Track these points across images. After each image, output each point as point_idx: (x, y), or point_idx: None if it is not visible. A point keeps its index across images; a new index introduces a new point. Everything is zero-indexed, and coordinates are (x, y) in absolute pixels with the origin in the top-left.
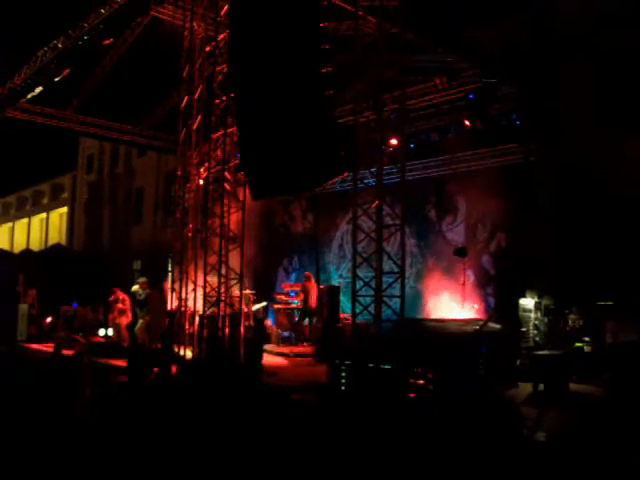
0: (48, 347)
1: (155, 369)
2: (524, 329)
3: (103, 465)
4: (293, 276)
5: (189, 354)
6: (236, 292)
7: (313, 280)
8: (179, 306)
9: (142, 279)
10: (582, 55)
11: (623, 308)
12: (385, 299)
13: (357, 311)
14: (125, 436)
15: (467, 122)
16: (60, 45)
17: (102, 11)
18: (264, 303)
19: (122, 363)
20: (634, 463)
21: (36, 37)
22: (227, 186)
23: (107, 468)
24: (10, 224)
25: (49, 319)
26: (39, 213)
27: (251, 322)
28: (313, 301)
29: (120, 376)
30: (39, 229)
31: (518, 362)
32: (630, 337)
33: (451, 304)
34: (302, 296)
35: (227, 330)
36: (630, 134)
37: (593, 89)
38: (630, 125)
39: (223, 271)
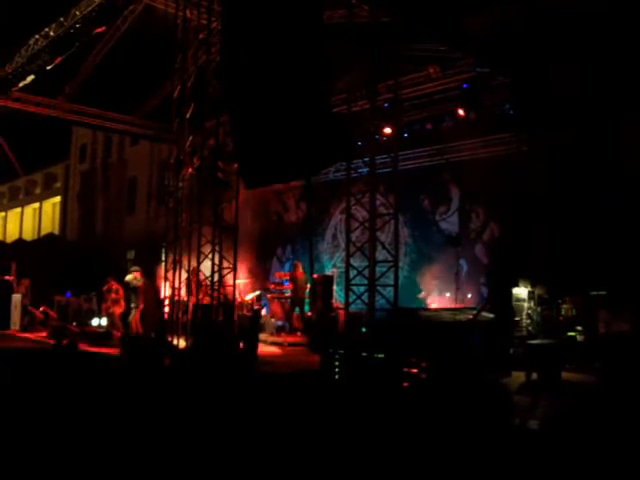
0: (41, 337)
1: (148, 358)
2: (517, 318)
3: (99, 457)
4: (287, 265)
5: (183, 343)
6: (230, 281)
7: (301, 268)
8: (172, 295)
9: (136, 268)
10: (576, 44)
11: (616, 298)
12: (379, 288)
13: (350, 300)
14: (120, 426)
15: (461, 112)
16: (52, 33)
17: None
18: (257, 292)
19: (115, 352)
20: (625, 450)
21: (28, 25)
22: (220, 175)
23: (103, 460)
24: (3, 214)
25: (42, 308)
26: (32, 203)
27: (245, 311)
28: (302, 290)
29: (113, 365)
30: (32, 219)
31: (511, 351)
32: (622, 327)
33: (445, 293)
34: (292, 285)
35: (221, 319)
36: (624, 123)
37: (587, 78)
38: (624, 114)
39: (217, 260)
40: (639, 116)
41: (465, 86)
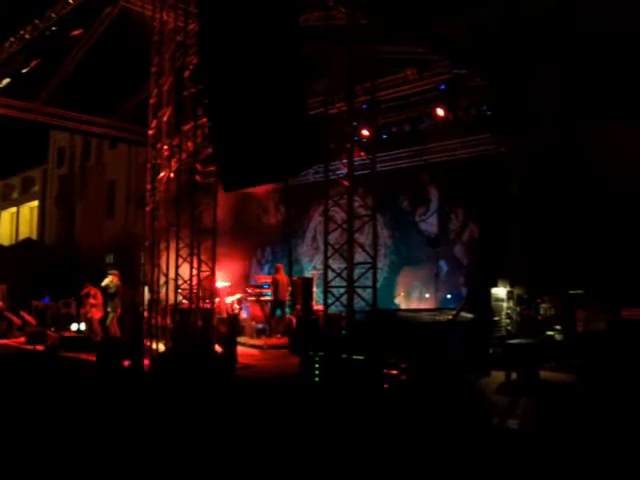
0: (19, 342)
1: (125, 362)
2: (496, 318)
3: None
4: (266, 268)
5: (162, 347)
6: (209, 285)
7: (283, 272)
8: (151, 299)
9: (113, 272)
10: (552, 45)
11: (593, 297)
12: (358, 290)
13: (330, 302)
14: (92, 433)
15: (440, 112)
16: (27, 36)
17: (70, 1)
18: (238, 295)
19: (93, 357)
20: (603, 448)
21: (2, 27)
22: (198, 178)
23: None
24: None
25: (19, 314)
26: (9, 207)
27: (225, 315)
28: (283, 293)
29: (91, 370)
30: (9, 223)
31: (491, 351)
32: (600, 325)
33: (424, 294)
34: (273, 288)
35: (200, 323)
36: (601, 124)
37: (564, 79)
38: (601, 115)
39: (195, 264)
40: (617, 117)
41: (442, 87)
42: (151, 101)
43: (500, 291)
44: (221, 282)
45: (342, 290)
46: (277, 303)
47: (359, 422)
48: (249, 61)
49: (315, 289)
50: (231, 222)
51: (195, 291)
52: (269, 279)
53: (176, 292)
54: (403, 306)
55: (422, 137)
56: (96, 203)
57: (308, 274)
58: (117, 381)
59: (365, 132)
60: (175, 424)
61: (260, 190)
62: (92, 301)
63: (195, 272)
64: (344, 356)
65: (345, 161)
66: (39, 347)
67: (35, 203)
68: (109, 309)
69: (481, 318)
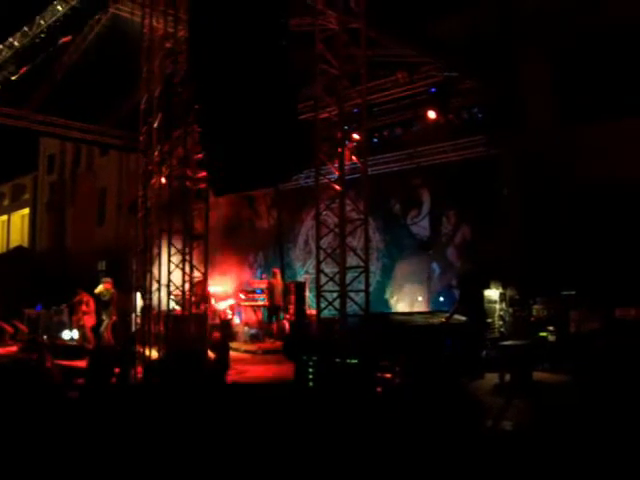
0: (11, 351)
1: (116, 370)
2: (489, 320)
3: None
4: (258, 273)
5: (155, 354)
6: (201, 291)
7: (279, 277)
8: (144, 306)
9: (106, 279)
10: (543, 47)
11: (586, 298)
12: (351, 294)
13: (322, 306)
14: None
15: (430, 116)
16: (17, 43)
17: (59, 8)
18: (230, 301)
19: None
20: (597, 449)
21: None
22: (189, 184)
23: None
24: None
25: (11, 322)
26: (0, 215)
27: (218, 321)
28: (279, 298)
29: (82, 378)
30: (0, 231)
31: (484, 353)
32: (593, 326)
33: (417, 297)
34: (268, 293)
35: (193, 329)
36: (591, 126)
37: (555, 81)
38: (590, 117)
39: (187, 270)
40: (607, 119)
41: (433, 90)
42: (141, 107)
43: (493, 293)
44: (214, 287)
45: (335, 294)
46: (273, 308)
47: (353, 426)
48: (239, 66)
49: (308, 293)
50: (223, 227)
51: (187, 297)
52: (262, 284)
53: (169, 298)
54: (395, 309)
55: (413, 140)
56: (87, 210)
57: (300, 278)
58: (107, 389)
59: (356, 136)
60: (167, 430)
61: (253, 194)
62: (84, 308)
63: (187, 278)
64: (338, 360)
65: (336, 165)
66: (33, 356)
67: (26, 211)
68: (103, 317)
69: (474, 320)
